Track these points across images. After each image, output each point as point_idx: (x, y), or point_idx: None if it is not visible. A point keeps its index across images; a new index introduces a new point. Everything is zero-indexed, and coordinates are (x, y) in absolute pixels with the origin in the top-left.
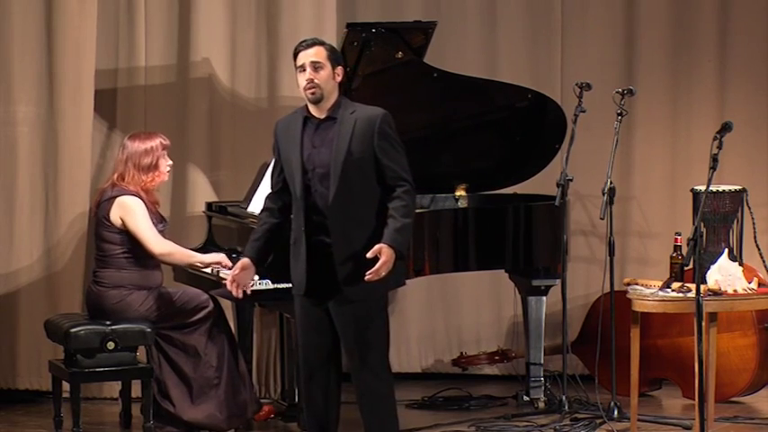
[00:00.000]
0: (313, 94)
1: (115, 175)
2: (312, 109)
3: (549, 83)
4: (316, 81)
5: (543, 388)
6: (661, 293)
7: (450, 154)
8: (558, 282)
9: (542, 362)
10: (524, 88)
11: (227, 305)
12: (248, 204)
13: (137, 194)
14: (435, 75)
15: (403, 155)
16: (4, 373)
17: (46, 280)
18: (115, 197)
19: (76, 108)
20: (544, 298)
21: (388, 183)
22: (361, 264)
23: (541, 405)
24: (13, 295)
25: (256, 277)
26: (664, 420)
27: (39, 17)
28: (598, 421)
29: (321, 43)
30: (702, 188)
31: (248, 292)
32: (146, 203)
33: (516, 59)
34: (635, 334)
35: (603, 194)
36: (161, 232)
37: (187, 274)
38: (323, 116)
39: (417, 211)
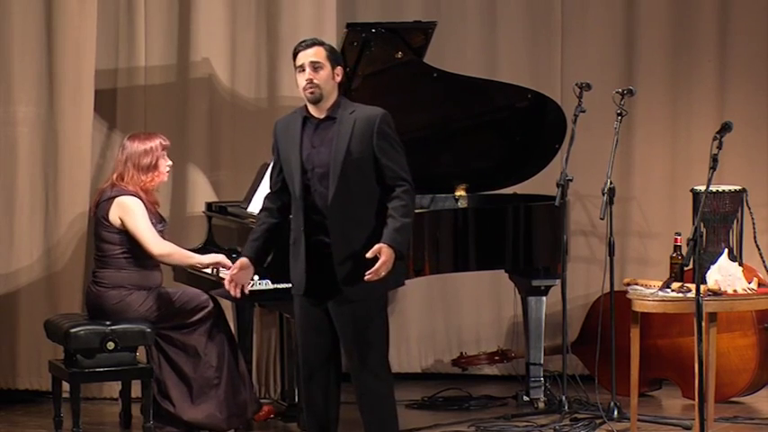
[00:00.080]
0: (312, 93)
1: (114, 176)
2: (311, 109)
3: (549, 83)
4: (315, 81)
5: (543, 388)
6: (661, 293)
7: (450, 154)
8: (558, 282)
9: (542, 362)
10: (524, 88)
11: (227, 305)
12: (248, 204)
13: (136, 194)
14: (435, 75)
15: (402, 155)
16: (4, 373)
17: (46, 280)
18: (114, 197)
19: (76, 108)
20: (544, 298)
21: (387, 182)
22: (360, 264)
23: (541, 405)
24: (13, 295)
25: (256, 277)
26: (664, 420)
27: (39, 17)
28: (598, 421)
29: (321, 43)
30: (702, 188)
31: (246, 291)
32: (145, 204)
33: (516, 59)
34: (635, 334)
35: (603, 194)
36: (160, 232)
37: (187, 274)
38: (322, 116)
39: (417, 211)
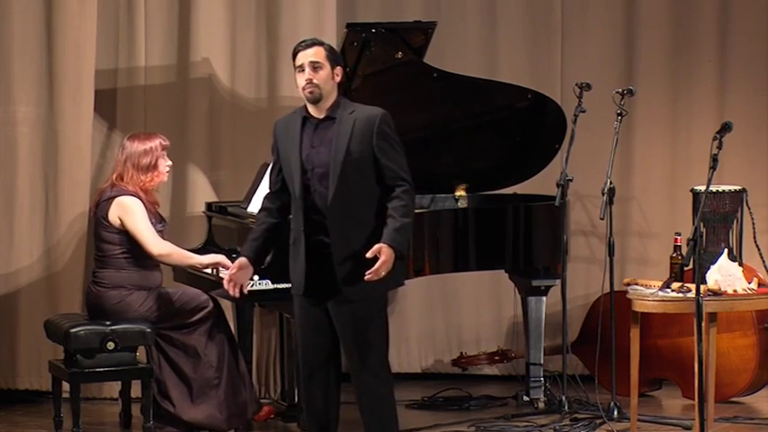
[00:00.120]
0: (312, 93)
1: (114, 176)
2: (311, 109)
3: (549, 83)
4: (315, 81)
5: (543, 388)
6: (661, 294)
7: (450, 154)
8: (558, 282)
9: (542, 362)
10: (524, 88)
11: (227, 305)
12: (248, 204)
13: (135, 195)
14: (435, 75)
15: (402, 155)
16: (4, 373)
17: (46, 280)
18: (114, 197)
19: (76, 108)
20: (544, 298)
21: (387, 182)
22: (360, 263)
23: (541, 405)
24: (13, 295)
25: (256, 277)
26: (664, 420)
27: (39, 17)
28: (598, 421)
29: (320, 43)
30: (702, 188)
31: (245, 291)
32: (145, 204)
33: (516, 59)
34: (635, 334)
35: (603, 194)
36: (160, 232)
37: (187, 274)
38: (322, 116)
39: (417, 211)
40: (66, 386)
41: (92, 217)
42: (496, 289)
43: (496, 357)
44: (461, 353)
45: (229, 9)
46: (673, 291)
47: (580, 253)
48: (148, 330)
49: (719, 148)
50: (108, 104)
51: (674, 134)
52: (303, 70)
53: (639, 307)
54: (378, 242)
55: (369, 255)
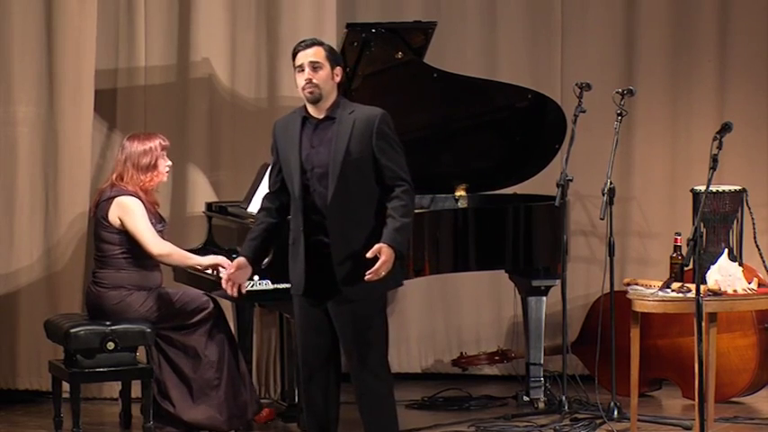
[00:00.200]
0: (311, 93)
1: (114, 176)
2: (311, 109)
3: (549, 83)
4: (314, 81)
5: (543, 388)
6: (661, 294)
7: (450, 154)
8: (558, 282)
9: (542, 362)
10: (524, 88)
11: (227, 306)
12: (248, 204)
13: (135, 195)
14: (435, 75)
15: (402, 155)
16: (4, 373)
17: (46, 280)
18: (114, 197)
19: (76, 108)
20: (544, 298)
21: (386, 183)
22: (359, 264)
23: (541, 405)
24: (13, 295)
25: (256, 278)
26: (664, 421)
27: (39, 17)
28: (598, 421)
29: (320, 43)
30: (702, 188)
31: (243, 291)
32: (144, 204)
33: (516, 59)
34: (635, 334)
35: (603, 195)
36: (160, 233)
37: (187, 274)
38: (321, 116)
39: (417, 211)
40: (66, 386)
41: (92, 217)
42: (496, 289)
43: (496, 357)
44: (461, 353)
45: (229, 9)
46: (673, 291)
47: (580, 253)
48: (148, 330)
49: (719, 148)
50: (108, 104)
51: (674, 134)
52: (303, 70)
53: (639, 307)
54: (377, 242)
55: (369, 255)
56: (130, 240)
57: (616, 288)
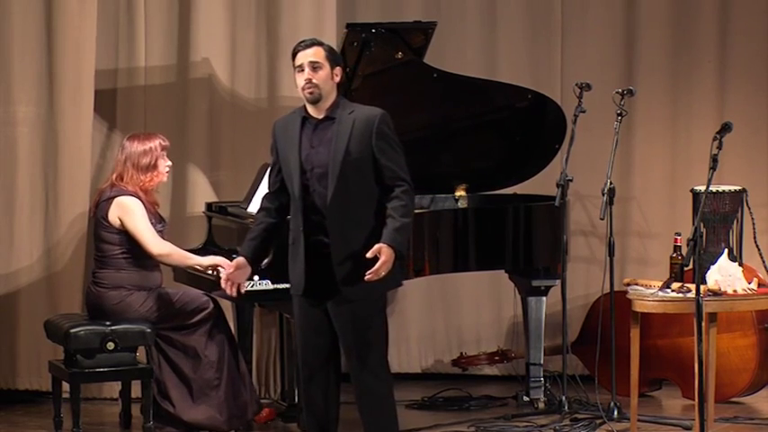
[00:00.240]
0: (311, 94)
1: (114, 176)
2: (310, 109)
3: (549, 83)
4: (314, 81)
5: (543, 388)
6: (661, 294)
7: (450, 154)
8: (558, 282)
9: (542, 362)
10: (524, 88)
11: (227, 306)
12: (248, 205)
13: (135, 195)
14: (435, 75)
15: (401, 155)
16: (4, 373)
17: (46, 280)
18: (114, 197)
19: (76, 108)
20: (544, 298)
21: (386, 183)
22: (359, 264)
23: (541, 405)
24: (13, 295)
25: (256, 278)
26: (664, 421)
27: (39, 17)
28: (598, 422)
29: (320, 43)
30: (702, 188)
31: (242, 291)
32: (144, 204)
33: (516, 59)
34: (635, 334)
35: (603, 195)
36: (160, 233)
37: (187, 274)
38: (321, 116)
39: (417, 211)
40: (66, 386)
41: (92, 217)
42: (496, 289)
43: (496, 357)
44: (461, 353)
45: (229, 9)
46: (673, 291)
47: (580, 253)
48: (148, 331)
49: (719, 148)
50: (108, 104)
51: (674, 134)
52: (302, 70)
53: (639, 307)
54: (377, 242)
55: (369, 255)
56: (130, 240)
57: (616, 288)
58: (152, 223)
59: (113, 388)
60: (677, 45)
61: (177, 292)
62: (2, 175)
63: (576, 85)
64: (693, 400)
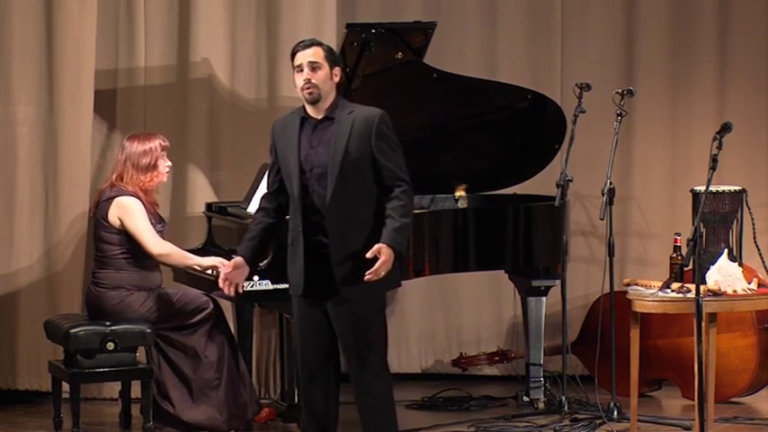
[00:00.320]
0: (310, 94)
1: (114, 176)
2: (309, 109)
3: (549, 83)
4: (313, 81)
5: (543, 388)
6: (661, 294)
7: (450, 154)
8: (558, 282)
9: (542, 362)
10: (524, 88)
11: (226, 306)
12: (248, 205)
13: (135, 195)
14: (435, 75)
15: (400, 155)
16: (4, 373)
17: (46, 280)
18: (113, 197)
19: (76, 108)
20: (544, 298)
21: (385, 183)
22: (358, 264)
23: (541, 405)
24: (13, 296)
25: (256, 278)
26: (663, 421)
27: (39, 17)
28: (598, 422)
29: (319, 44)
30: (702, 188)
31: (240, 291)
32: (144, 204)
33: (516, 59)
34: (635, 334)
35: (603, 195)
36: (159, 233)
37: (187, 274)
38: (320, 116)
39: (417, 211)
40: (66, 386)
41: (91, 217)
42: (496, 289)
43: (496, 358)
44: (461, 353)
45: (229, 9)
46: (673, 291)
47: (580, 253)
48: (148, 331)
49: (719, 148)
50: (108, 105)
51: (673, 134)
52: (302, 70)
53: (639, 307)
54: (376, 242)
55: (368, 255)
56: (130, 241)
57: (616, 288)
58: (152, 223)
59: (113, 388)
60: (677, 45)
61: (177, 292)
62: (2, 175)
63: (576, 85)
64: (693, 400)
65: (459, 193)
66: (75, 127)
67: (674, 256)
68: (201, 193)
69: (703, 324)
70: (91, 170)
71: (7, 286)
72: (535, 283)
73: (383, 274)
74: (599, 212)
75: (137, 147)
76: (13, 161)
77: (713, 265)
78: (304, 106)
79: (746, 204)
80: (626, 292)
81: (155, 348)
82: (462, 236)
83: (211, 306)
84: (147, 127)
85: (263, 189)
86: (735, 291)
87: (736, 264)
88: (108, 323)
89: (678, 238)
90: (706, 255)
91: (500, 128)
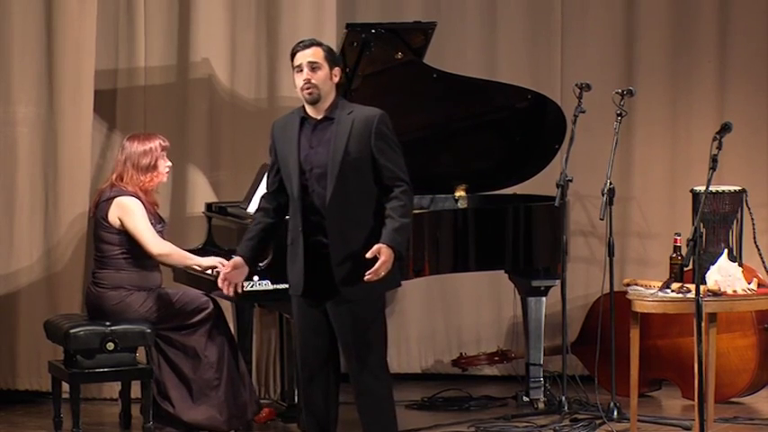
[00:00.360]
0: (310, 94)
1: (114, 176)
2: (309, 109)
3: (549, 83)
4: (313, 81)
5: (543, 388)
6: (661, 294)
7: (450, 154)
8: (558, 282)
9: (542, 362)
10: (524, 89)
11: (226, 306)
12: (248, 205)
13: (135, 195)
14: (435, 75)
15: (400, 155)
16: (4, 373)
17: (46, 280)
18: (113, 198)
19: (76, 108)
20: (544, 298)
21: (385, 183)
22: (358, 264)
23: (541, 406)
24: (13, 296)
25: (256, 278)
26: (663, 421)
27: (39, 17)
28: (598, 422)
29: (318, 44)
30: (702, 188)
31: (239, 291)
32: (144, 204)
33: (516, 60)
34: (635, 334)
35: (603, 195)
36: (159, 233)
37: (187, 274)
38: (320, 117)
39: (417, 211)
40: (65, 386)
41: (91, 217)
42: (496, 289)
43: (496, 358)
44: (461, 353)
45: (229, 9)
46: (672, 291)
47: (580, 253)
48: (148, 331)
49: (719, 148)
50: (108, 105)
51: (673, 134)
52: (301, 70)
53: (639, 307)
54: (376, 242)
55: (368, 255)
56: (130, 241)
57: (616, 288)
58: (152, 223)
59: (113, 388)
60: (677, 45)
61: (177, 292)
62: (2, 175)
63: (576, 85)
64: (693, 400)
65: (459, 193)
66: (75, 127)
67: (674, 256)
68: (201, 193)
69: (703, 324)
70: (91, 170)
71: (7, 286)
72: (535, 283)
73: (383, 274)
74: (599, 212)
75: (137, 147)
76: (13, 161)
77: (713, 265)
78: (304, 106)
79: (746, 204)
80: (626, 293)
81: (155, 348)
82: (462, 236)
83: (211, 306)
84: (147, 127)
85: (262, 189)
86: (735, 291)
87: (736, 264)
88: (108, 323)
89: (678, 238)
90: (706, 255)
91: (500, 128)
